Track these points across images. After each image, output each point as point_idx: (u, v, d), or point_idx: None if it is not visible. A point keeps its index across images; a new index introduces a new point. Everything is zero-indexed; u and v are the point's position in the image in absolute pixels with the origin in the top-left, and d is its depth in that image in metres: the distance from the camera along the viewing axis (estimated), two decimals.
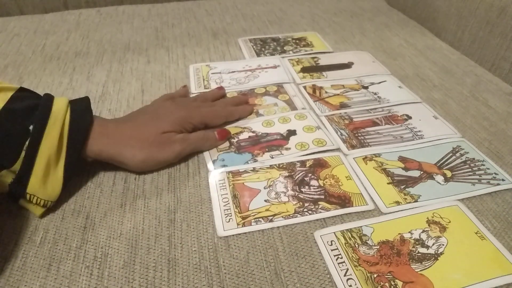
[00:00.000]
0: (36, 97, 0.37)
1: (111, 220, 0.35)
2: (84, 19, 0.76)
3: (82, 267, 0.31)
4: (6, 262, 0.31)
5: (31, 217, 0.35)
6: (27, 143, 0.33)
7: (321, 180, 0.39)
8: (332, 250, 0.32)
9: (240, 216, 0.35)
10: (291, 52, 0.64)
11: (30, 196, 0.33)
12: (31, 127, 0.33)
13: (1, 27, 0.72)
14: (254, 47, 0.65)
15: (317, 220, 0.35)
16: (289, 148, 0.43)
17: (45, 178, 0.34)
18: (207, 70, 0.58)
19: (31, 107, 0.34)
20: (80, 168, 0.39)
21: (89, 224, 0.35)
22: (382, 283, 0.30)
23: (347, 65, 0.60)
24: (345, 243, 0.33)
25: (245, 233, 0.34)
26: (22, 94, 0.36)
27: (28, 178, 0.33)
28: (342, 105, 0.50)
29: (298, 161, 0.41)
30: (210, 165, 0.41)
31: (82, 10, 0.80)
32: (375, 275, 0.30)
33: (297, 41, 0.67)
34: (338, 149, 0.43)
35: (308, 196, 0.37)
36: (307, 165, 0.40)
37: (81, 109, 0.37)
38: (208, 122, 0.44)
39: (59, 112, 0.35)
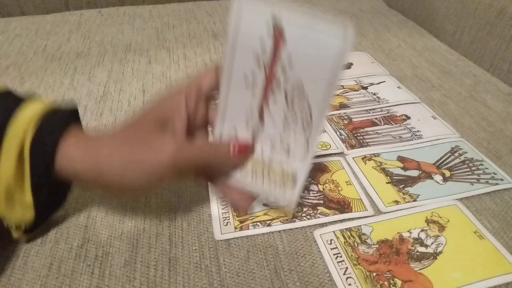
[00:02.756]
0: (4, 109, 0.29)
1: (112, 219, 0.35)
2: (85, 20, 0.76)
3: (83, 266, 0.31)
4: (8, 261, 0.32)
5: None
6: None
7: (320, 184, 0.39)
8: (331, 249, 0.32)
9: (238, 220, 0.35)
10: None
11: None
12: None
13: (3, 28, 0.72)
14: None
15: (315, 225, 0.35)
16: None
17: (9, 201, 0.29)
18: None
19: None
20: (66, 190, 0.33)
21: (90, 223, 0.35)
22: (381, 282, 0.30)
23: (347, 66, 0.60)
24: (344, 242, 0.33)
25: (242, 237, 0.34)
26: None
27: None
28: (342, 106, 0.51)
29: None
30: None
31: (83, 11, 0.80)
32: (374, 274, 0.31)
33: None
34: (342, 153, 0.43)
35: (307, 200, 0.36)
36: None
37: (52, 124, 0.29)
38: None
39: (18, 131, 0.28)
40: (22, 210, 0.29)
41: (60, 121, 0.30)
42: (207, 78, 0.31)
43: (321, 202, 0.37)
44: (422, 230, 0.34)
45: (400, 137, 0.45)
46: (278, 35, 0.28)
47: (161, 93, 0.32)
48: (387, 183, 0.39)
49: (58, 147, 0.29)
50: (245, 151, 0.32)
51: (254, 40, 0.28)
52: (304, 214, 0.35)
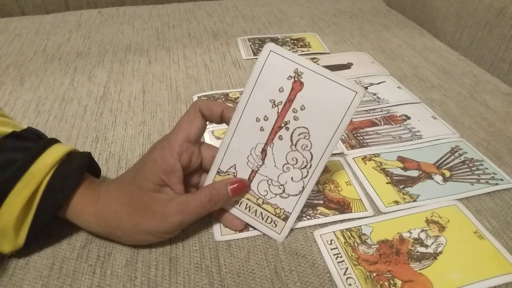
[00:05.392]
0: (23, 149, 0.30)
1: None
2: (85, 19, 0.76)
3: (85, 266, 0.31)
4: (9, 261, 0.32)
5: None
6: None
7: (320, 185, 0.39)
8: (331, 249, 0.33)
9: None
10: None
11: None
12: None
13: (3, 28, 0.72)
14: (252, 46, 0.66)
15: (315, 225, 0.35)
16: None
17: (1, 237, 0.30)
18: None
19: (8, 162, 0.29)
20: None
21: None
22: (381, 282, 0.30)
23: (347, 66, 0.60)
24: (344, 242, 0.33)
25: (242, 238, 0.34)
26: (9, 143, 0.30)
27: None
28: None
29: None
30: None
31: (83, 11, 0.80)
32: (374, 274, 0.31)
33: (295, 42, 0.67)
34: (342, 154, 0.43)
35: (307, 201, 0.37)
36: None
37: (69, 171, 0.31)
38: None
39: (37, 174, 0.29)
40: (11, 247, 0.30)
41: (73, 173, 0.31)
42: (194, 125, 0.32)
43: (321, 202, 0.37)
44: (422, 230, 0.34)
45: (400, 137, 0.45)
46: (296, 87, 0.30)
47: (153, 149, 0.32)
48: (387, 183, 0.39)
49: (69, 200, 0.31)
50: (242, 190, 0.33)
51: (274, 88, 0.31)
52: (304, 215, 0.35)
